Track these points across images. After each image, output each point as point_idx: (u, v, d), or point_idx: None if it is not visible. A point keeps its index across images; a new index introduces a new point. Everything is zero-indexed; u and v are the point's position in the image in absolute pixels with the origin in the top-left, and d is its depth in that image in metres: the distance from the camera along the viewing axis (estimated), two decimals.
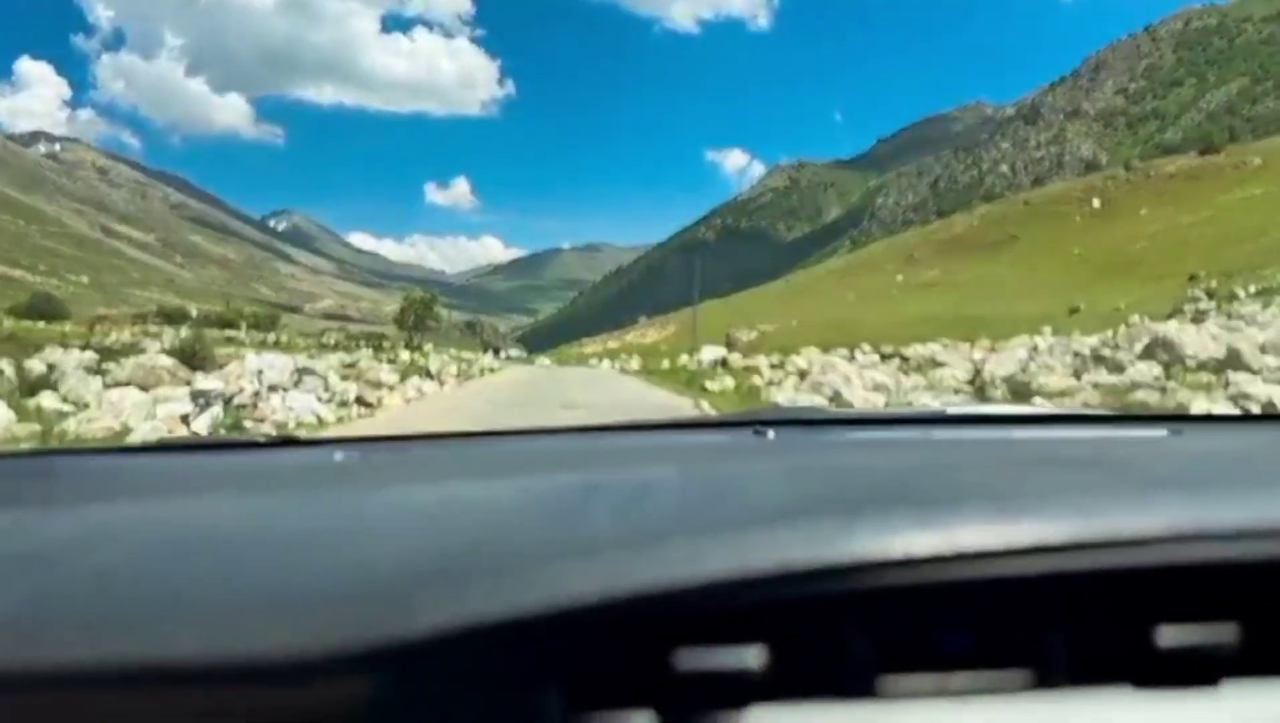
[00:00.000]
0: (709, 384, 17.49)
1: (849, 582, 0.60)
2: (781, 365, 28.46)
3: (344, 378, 19.84)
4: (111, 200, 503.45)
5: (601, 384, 19.98)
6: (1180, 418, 1.51)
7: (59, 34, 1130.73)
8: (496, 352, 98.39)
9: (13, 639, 0.57)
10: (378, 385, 17.82)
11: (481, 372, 27.16)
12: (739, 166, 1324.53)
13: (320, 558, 0.67)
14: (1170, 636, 0.61)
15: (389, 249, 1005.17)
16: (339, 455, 1.17)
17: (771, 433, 1.18)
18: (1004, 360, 17.54)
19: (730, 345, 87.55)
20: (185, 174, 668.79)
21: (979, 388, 17.38)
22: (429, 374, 20.45)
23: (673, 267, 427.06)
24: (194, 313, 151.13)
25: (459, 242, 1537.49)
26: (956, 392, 17.15)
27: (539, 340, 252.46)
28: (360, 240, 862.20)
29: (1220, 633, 0.61)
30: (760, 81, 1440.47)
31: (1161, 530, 0.62)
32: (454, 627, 0.56)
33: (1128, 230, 79.91)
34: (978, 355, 25.44)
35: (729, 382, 17.90)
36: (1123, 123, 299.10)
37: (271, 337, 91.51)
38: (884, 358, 27.53)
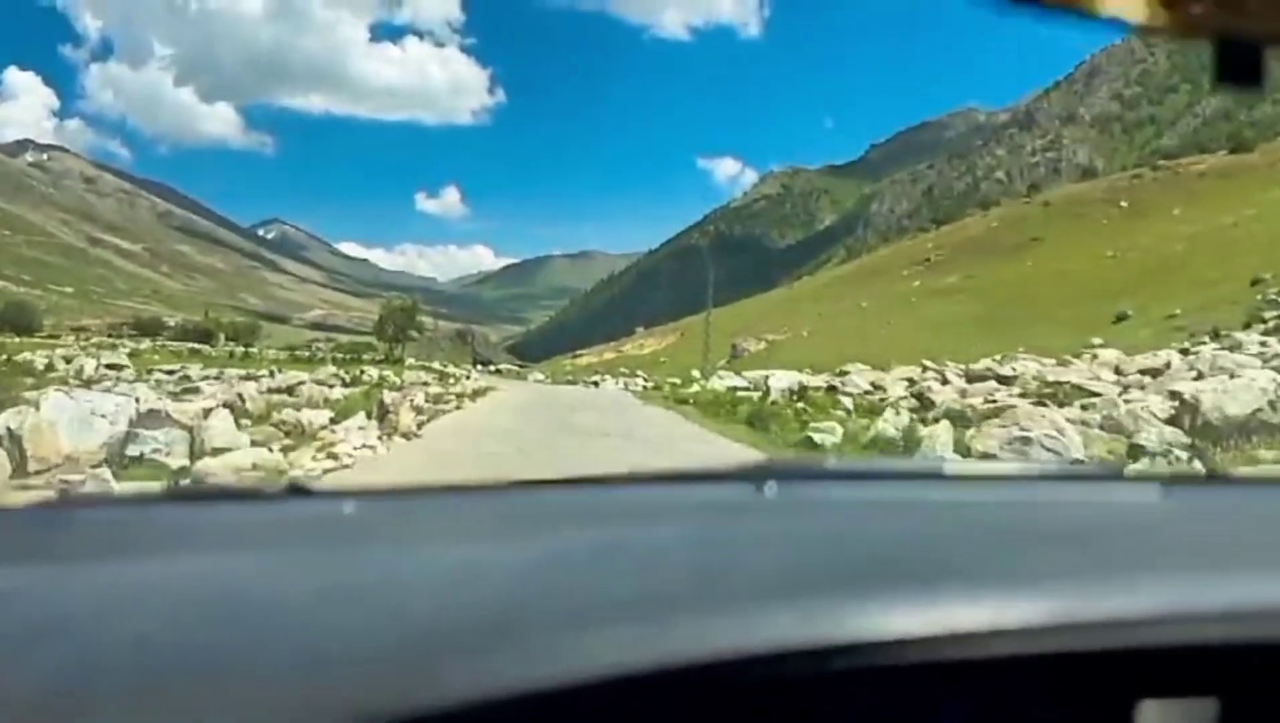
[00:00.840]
0: (816, 436, 11.35)
1: (848, 660, 0.61)
2: (834, 389, 22.46)
3: (258, 417, 13.82)
4: (99, 210, 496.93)
5: (639, 436, 13.30)
6: (1173, 478, 1.52)
7: (47, 44, 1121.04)
8: (487, 364, 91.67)
9: (58, 709, 0.57)
10: (294, 432, 11.81)
11: (460, 399, 21.00)
12: (730, 174, 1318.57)
13: (346, 621, 0.68)
14: (1153, 713, 0.63)
15: (379, 258, 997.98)
16: (349, 508, 1.18)
17: (771, 487, 1.20)
18: (1236, 393, 11.56)
19: (735, 356, 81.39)
20: (174, 183, 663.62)
21: (1199, 429, 11.41)
22: (383, 411, 14.45)
23: (666, 273, 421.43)
24: (171, 323, 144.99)
25: (449, 250, 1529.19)
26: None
27: (531, 350, 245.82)
28: (350, 249, 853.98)
29: (1202, 710, 0.63)
30: (751, 88, 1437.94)
31: (1147, 613, 0.65)
32: (480, 697, 0.56)
33: (1162, 231, 74.22)
34: (1107, 376, 19.45)
35: (837, 431, 11.69)
36: (1119, 128, 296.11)
37: (240, 350, 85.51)
38: (973, 379, 21.48)
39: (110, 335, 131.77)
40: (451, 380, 35.64)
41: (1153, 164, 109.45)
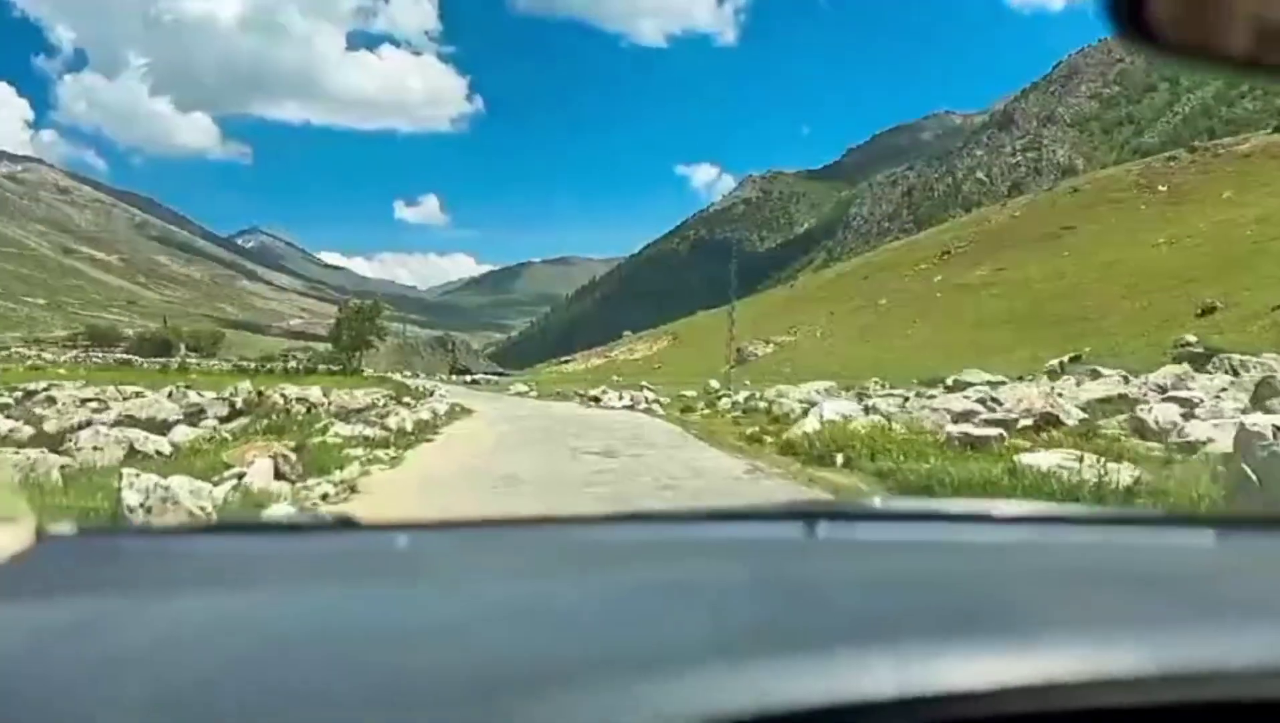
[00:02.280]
0: None
1: (946, 710, 0.58)
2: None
3: None
4: (74, 221, 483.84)
5: None
6: (1222, 521, 1.48)
7: (19, 55, 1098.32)
8: (463, 373, 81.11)
9: None
10: None
11: (371, 464, 10.34)
12: (708, 180, 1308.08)
13: (413, 660, 0.65)
14: None
15: (359, 266, 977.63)
16: (402, 542, 1.15)
17: (822, 528, 1.16)
18: None
19: (741, 360, 71.78)
20: (152, 194, 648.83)
21: None
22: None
23: (646, 278, 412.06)
24: (128, 333, 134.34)
25: (429, 258, 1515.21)
26: None
27: (513, 357, 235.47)
28: (330, 258, 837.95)
29: None
30: (728, 95, 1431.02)
31: (1251, 664, 0.62)
32: None
33: (1218, 216, 65.35)
34: None
35: None
36: (1098, 128, 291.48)
37: (176, 362, 75.00)
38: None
39: (65, 346, 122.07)
40: (406, 403, 25.72)
41: (1191, 146, 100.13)
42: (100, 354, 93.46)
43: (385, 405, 23.42)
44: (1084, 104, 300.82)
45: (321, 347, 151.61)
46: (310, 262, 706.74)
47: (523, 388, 45.16)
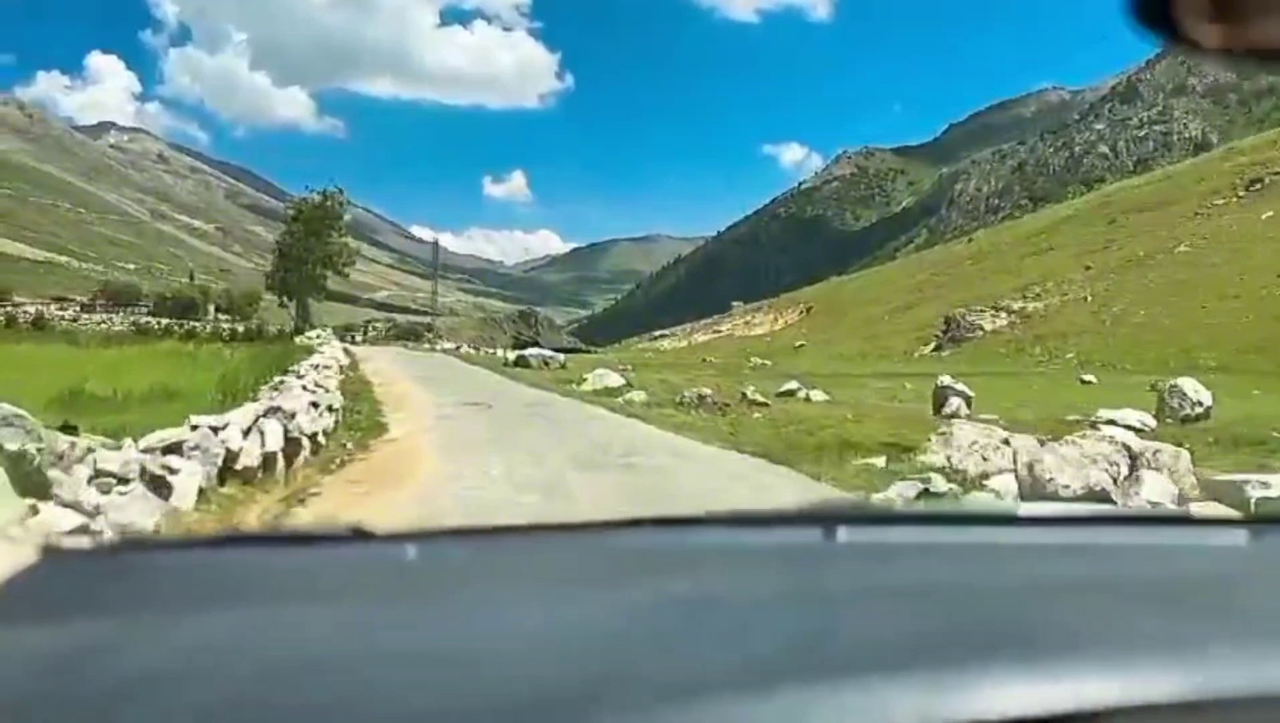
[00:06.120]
0: None
1: None
2: None
3: None
4: (174, 190, 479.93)
5: None
6: (1254, 520, 1.37)
7: (128, 30, 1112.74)
8: (526, 346, 58.36)
9: None
10: None
11: None
12: (796, 160, 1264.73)
13: (425, 688, 0.62)
14: None
15: (447, 241, 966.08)
16: (412, 553, 1.11)
17: (842, 532, 1.12)
18: None
19: (955, 338, 46.56)
20: (251, 166, 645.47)
21: None
22: None
23: (735, 255, 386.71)
24: (147, 291, 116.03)
25: (515, 234, 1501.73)
26: None
27: (596, 333, 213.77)
28: (420, 232, 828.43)
29: None
30: (819, 72, 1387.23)
31: None
32: None
33: None
34: None
35: None
36: (1234, 100, 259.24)
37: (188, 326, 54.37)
38: None
39: (85, 306, 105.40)
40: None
41: None
42: (119, 315, 72.85)
43: None
44: (1219, 75, 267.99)
45: (402, 318, 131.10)
46: (401, 235, 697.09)
47: (615, 380, 21.25)
